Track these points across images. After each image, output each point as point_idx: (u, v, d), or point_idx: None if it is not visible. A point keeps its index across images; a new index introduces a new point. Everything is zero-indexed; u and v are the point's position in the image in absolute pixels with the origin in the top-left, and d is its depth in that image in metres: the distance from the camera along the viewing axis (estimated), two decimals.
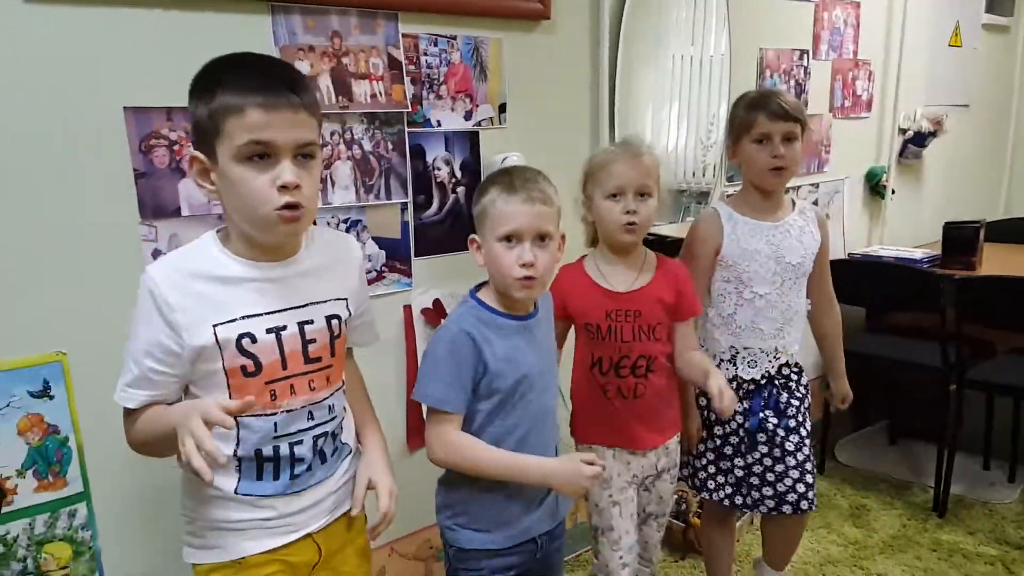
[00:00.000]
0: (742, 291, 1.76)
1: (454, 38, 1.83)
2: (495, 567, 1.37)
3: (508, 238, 1.28)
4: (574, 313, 1.60)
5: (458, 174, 1.89)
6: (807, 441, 1.85)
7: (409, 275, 1.85)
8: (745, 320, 1.77)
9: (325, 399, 1.16)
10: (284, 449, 1.12)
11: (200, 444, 0.91)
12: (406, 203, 1.81)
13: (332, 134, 1.67)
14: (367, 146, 1.73)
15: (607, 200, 1.57)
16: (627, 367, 1.62)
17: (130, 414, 1.09)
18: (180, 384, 1.09)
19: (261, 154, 1.00)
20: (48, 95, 1.32)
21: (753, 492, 1.81)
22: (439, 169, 1.86)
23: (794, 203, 1.85)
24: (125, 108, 1.41)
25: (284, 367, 1.10)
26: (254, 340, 1.07)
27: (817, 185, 2.95)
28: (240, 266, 1.07)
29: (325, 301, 1.15)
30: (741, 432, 1.80)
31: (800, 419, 1.84)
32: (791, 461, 1.81)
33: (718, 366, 1.75)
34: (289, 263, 1.11)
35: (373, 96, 1.71)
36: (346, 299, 1.18)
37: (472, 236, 1.36)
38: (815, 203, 2.94)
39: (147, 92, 1.43)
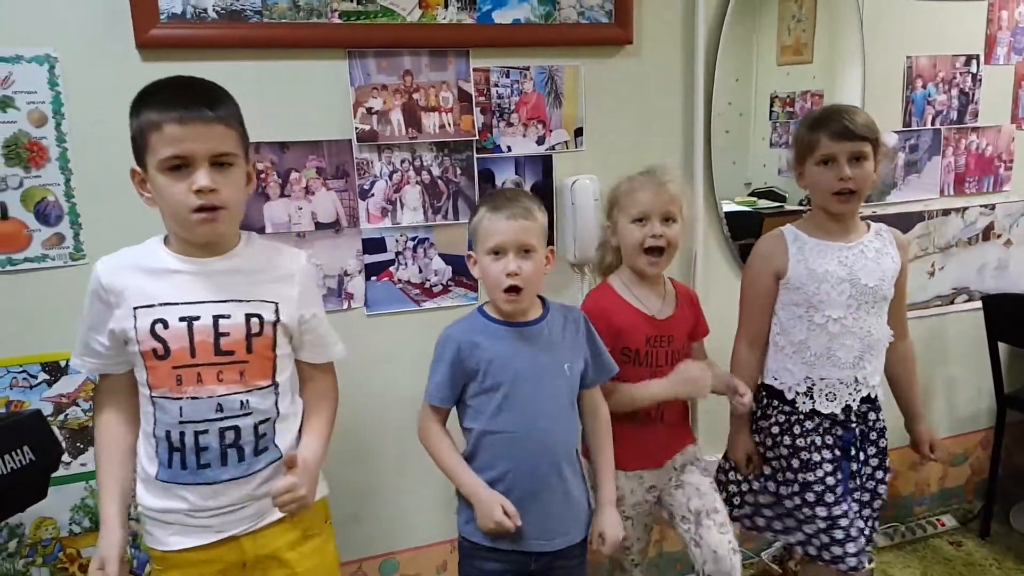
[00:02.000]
0: (813, 316, 1.66)
1: (527, 68, 1.93)
2: (487, 562, 1.49)
3: (495, 251, 1.41)
4: (616, 332, 1.63)
5: None
6: (881, 491, 1.70)
7: (475, 290, 1.99)
8: (819, 347, 1.67)
9: (236, 394, 1.23)
10: (189, 437, 1.22)
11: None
12: None
13: (402, 161, 1.87)
14: (436, 171, 1.90)
15: (632, 223, 1.60)
16: None
17: (98, 401, 1.32)
18: (122, 360, 1.26)
19: (179, 165, 1.15)
20: None
21: (812, 540, 1.69)
22: None
23: (869, 225, 1.72)
24: None
25: (192, 355, 1.20)
26: (166, 326, 1.20)
27: (992, 207, 2.57)
28: (172, 259, 1.23)
29: (248, 300, 1.25)
30: (827, 480, 1.67)
31: (877, 463, 1.72)
32: (865, 512, 1.68)
33: (792, 400, 1.70)
34: (217, 260, 1.24)
35: (442, 127, 1.88)
36: (275, 304, 1.27)
37: (469, 252, 1.51)
38: (990, 227, 2.57)
39: None
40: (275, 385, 1.30)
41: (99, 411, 1.33)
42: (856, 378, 1.66)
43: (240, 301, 1.25)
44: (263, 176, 1.76)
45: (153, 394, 1.24)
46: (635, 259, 1.63)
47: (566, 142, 2.01)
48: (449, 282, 1.96)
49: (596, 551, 1.53)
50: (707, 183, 2.17)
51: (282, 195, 1.78)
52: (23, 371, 1.66)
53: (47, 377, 1.67)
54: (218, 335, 1.23)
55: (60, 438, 1.62)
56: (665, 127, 2.11)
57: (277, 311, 1.29)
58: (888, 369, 1.78)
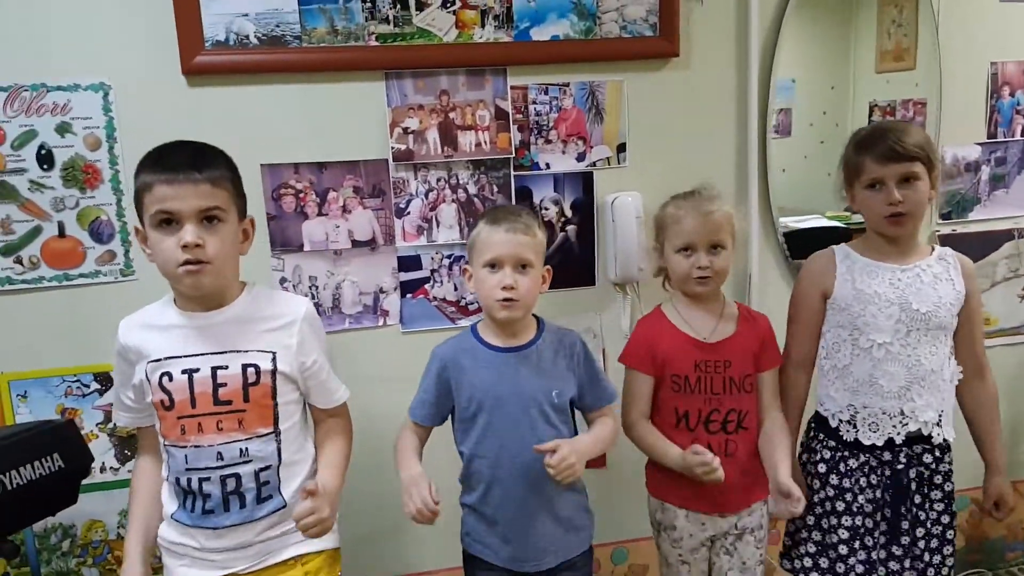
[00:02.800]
0: (857, 339, 1.55)
1: (567, 85, 1.90)
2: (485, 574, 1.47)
3: (492, 264, 1.40)
4: (662, 361, 1.57)
5: (568, 213, 1.95)
6: (950, 536, 1.56)
7: None
8: (862, 373, 1.55)
9: (236, 442, 1.28)
10: (195, 483, 1.28)
11: None
12: None
13: (438, 180, 1.87)
14: (472, 189, 1.89)
15: (677, 254, 1.55)
16: (717, 422, 1.56)
17: (138, 452, 1.41)
18: (149, 410, 1.33)
19: (167, 220, 1.22)
20: None
21: None
22: (547, 209, 1.94)
23: (934, 248, 1.59)
24: (261, 164, 1.78)
25: (193, 405, 1.26)
26: (171, 379, 1.26)
27: None
28: (175, 315, 1.31)
29: (246, 351, 1.29)
30: (857, 524, 1.56)
31: (942, 508, 1.57)
32: (935, 559, 1.55)
33: (836, 428, 1.59)
34: (215, 314, 1.30)
35: (478, 145, 1.87)
36: (273, 353, 1.30)
37: (464, 265, 1.49)
38: None
39: (279, 151, 1.78)
40: (276, 432, 1.33)
41: (137, 457, 1.44)
42: (902, 410, 1.53)
43: (237, 352, 1.30)
44: (302, 196, 1.81)
45: (165, 442, 1.31)
46: (684, 285, 1.58)
47: (608, 158, 1.96)
48: None
49: None
50: (763, 200, 2.06)
51: (320, 214, 1.82)
52: (76, 380, 1.76)
53: (98, 386, 1.76)
54: (216, 386, 1.28)
55: (100, 446, 1.74)
56: (716, 142, 2.03)
57: (274, 360, 1.31)
58: (965, 412, 1.64)
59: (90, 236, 1.72)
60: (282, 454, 1.34)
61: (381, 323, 1.90)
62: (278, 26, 1.72)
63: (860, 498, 1.56)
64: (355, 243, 1.85)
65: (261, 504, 1.32)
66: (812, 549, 1.63)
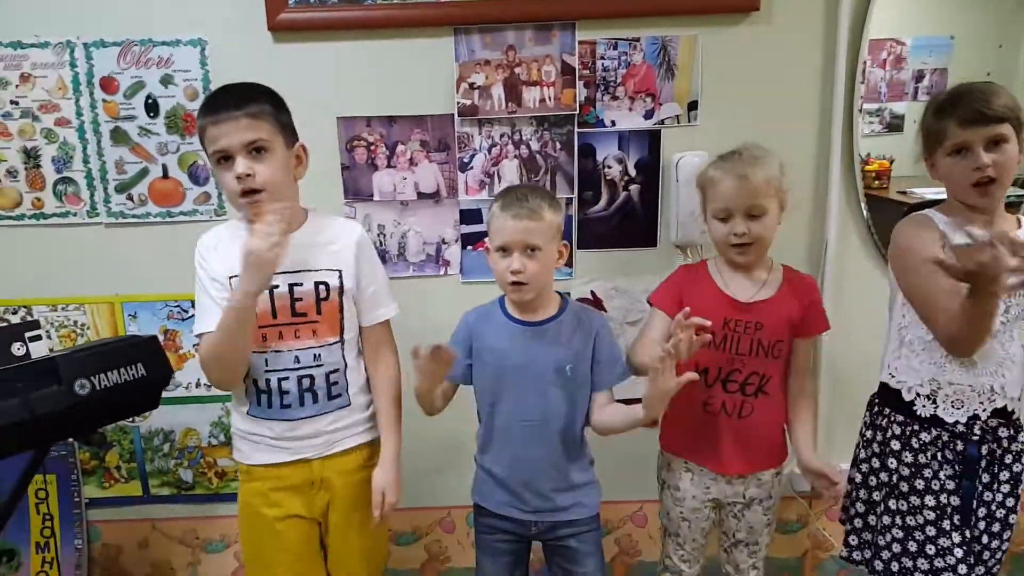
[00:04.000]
0: None
1: (637, 40, 1.87)
2: (493, 520, 1.57)
3: (502, 249, 1.45)
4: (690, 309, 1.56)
5: (632, 172, 1.94)
6: (1012, 521, 1.47)
7: (570, 265, 1.99)
8: None
9: (310, 348, 1.45)
10: (274, 382, 1.45)
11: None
12: (571, 198, 1.95)
13: (501, 135, 1.91)
14: (535, 146, 1.92)
15: (715, 220, 1.52)
16: (737, 382, 1.56)
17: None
18: None
19: (223, 157, 1.36)
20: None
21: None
22: (610, 167, 1.94)
23: (1020, 220, 1.47)
24: (337, 117, 1.90)
25: (274, 316, 1.43)
26: None
27: None
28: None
29: (316, 270, 1.45)
30: (942, 502, 1.47)
31: (1009, 489, 1.48)
32: (994, 543, 1.47)
33: (911, 403, 1.50)
34: (290, 237, 1.39)
35: (542, 101, 1.89)
36: (339, 271, 1.47)
37: (484, 240, 1.55)
38: None
39: (353, 104, 1.90)
40: (342, 341, 1.50)
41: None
42: (992, 387, 1.43)
43: (310, 271, 1.46)
44: (373, 148, 1.91)
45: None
46: (724, 252, 1.56)
47: (677, 116, 1.91)
48: None
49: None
50: (847, 167, 1.94)
51: (388, 166, 1.92)
52: (177, 305, 2.00)
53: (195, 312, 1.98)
54: (293, 300, 1.44)
55: (194, 364, 1.99)
56: (798, 104, 1.92)
57: (341, 277, 1.48)
58: None
59: (188, 178, 1.92)
60: (347, 359, 1.51)
61: (443, 272, 1.99)
62: None
63: (941, 474, 1.47)
64: (420, 195, 1.94)
65: (331, 400, 1.50)
66: (898, 534, 1.53)
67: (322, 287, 1.47)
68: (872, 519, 1.57)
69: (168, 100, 1.88)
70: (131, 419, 2.04)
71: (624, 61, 1.88)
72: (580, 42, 1.86)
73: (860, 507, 1.60)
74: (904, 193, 1.98)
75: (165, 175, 1.92)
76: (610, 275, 2.00)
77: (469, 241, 1.96)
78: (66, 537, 2.09)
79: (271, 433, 1.49)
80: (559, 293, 1.57)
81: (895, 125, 1.97)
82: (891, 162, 2.00)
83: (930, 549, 1.48)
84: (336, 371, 1.50)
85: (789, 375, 1.58)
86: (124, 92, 1.87)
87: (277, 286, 1.43)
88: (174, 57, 1.85)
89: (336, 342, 1.49)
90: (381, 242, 1.97)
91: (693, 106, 1.91)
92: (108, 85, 1.87)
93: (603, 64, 1.88)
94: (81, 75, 1.86)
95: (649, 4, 1.83)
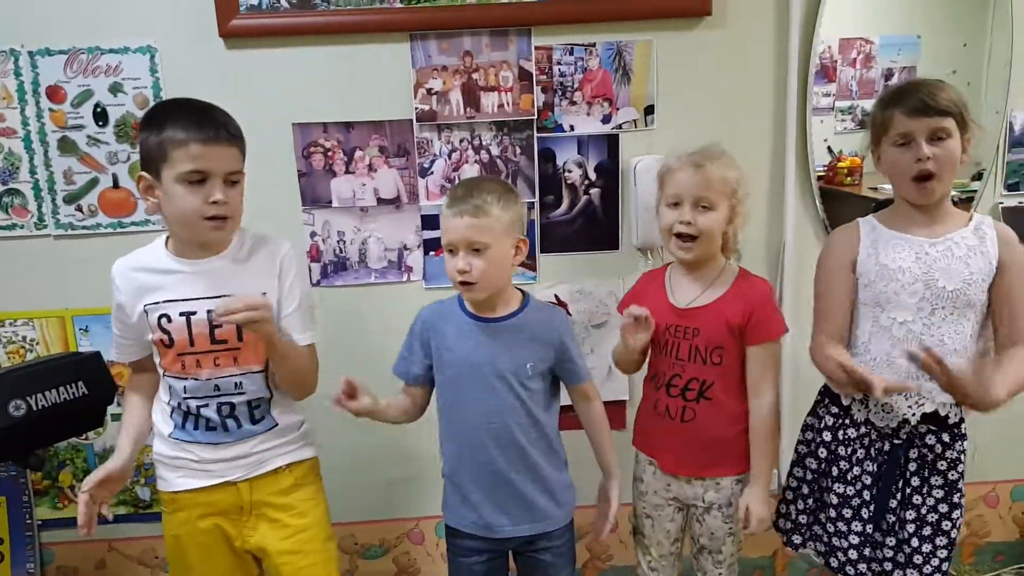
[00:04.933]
0: (878, 316, 1.49)
1: (593, 45, 1.88)
2: (465, 541, 1.53)
3: (449, 248, 1.43)
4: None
5: (592, 176, 1.95)
6: (947, 528, 1.49)
7: (534, 269, 1.99)
8: (880, 352, 1.49)
9: (231, 376, 1.40)
10: (194, 408, 1.41)
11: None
12: (533, 202, 1.95)
13: (461, 140, 1.91)
14: (495, 151, 1.92)
15: (666, 207, 1.52)
16: (678, 387, 1.56)
17: (128, 381, 1.52)
18: (141, 347, 1.45)
19: (198, 179, 1.32)
20: (240, 114, 1.81)
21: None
22: (570, 171, 1.95)
23: (972, 216, 1.49)
24: (293, 124, 1.87)
25: (191, 344, 1.38)
26: (169, 320, 1.37)
27: None
28: (172, 261, 1.40)
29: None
30: (865, 495, 1.53)
31: (942, 494, 1.50)
32: (925, 547, 1.49)
33: (848, 407, 1.55)
34: (210, 260, 1.40)
35: (500, 106, 1.89)
36: (264, 293, 1.38)
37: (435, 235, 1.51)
38: None
39: (309, 111, 1.87)
40: (266, 369, 1.45)
41: (129, 383, 1.54)
42: (919, 391, 1.46)
43: (230, 296, 1.35)
44: (330, 154, 1.89)
45: (165, 374, 1.44)
46: (667, 243, 1.55)
47: (635, 121, 1.93)
48: None
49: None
50: (801, 168, 1.97)
51: (347, 172, 1.90)
52: None
53: None
54: (212, 327, 1.39)
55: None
56: (752, 104, 1.95)
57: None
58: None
59: (143, 191, 1.87)
60: (271, 388, 1.46)
61: (405, 278, 1.98)
62: None
63: (856, 469, 1.51)
64: (380, 201, 1.93)
65: (255, 424, 1.45)
66: (804, 519, 1.61)
67: None
68: (800, 502, 1.62)
69: (117, 109, 1.83)
70: (84, 437, 1.98)
71: (580, 66, 1.89)
72: (536, 48, 1.87)
73: (793, 483, 1.65)
74: (875, 189, 2.01)
75: (115, 185, 1.87)
76: (574, 278, 2.00)
77: (432, 247, 1.95)
78: (17, 560, 2.02)
79: (194, 457, 1.44)
80: (520, 290, 1.54)
81: (866, 122, 2.00)
82: (862, 159, 2.03)
83: (832, 528, 1.55)
84: (259, 398, 1.45)
85: (747, 385, 1.55)
86: (72, 101, 1.82)
87: (195, 312, 1.38)
88: (123, 65, 1.81)
89: (260, 371, 1.44)
90: (341, 249, 1.95)
91: (650, 110, 1.92)
92: (55, 94, 1.82)
93: (560, 69, 1.89)
94: (26, 84, 1.81)
95: (603, 10, 1.85)
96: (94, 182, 1.87)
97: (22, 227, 1.88)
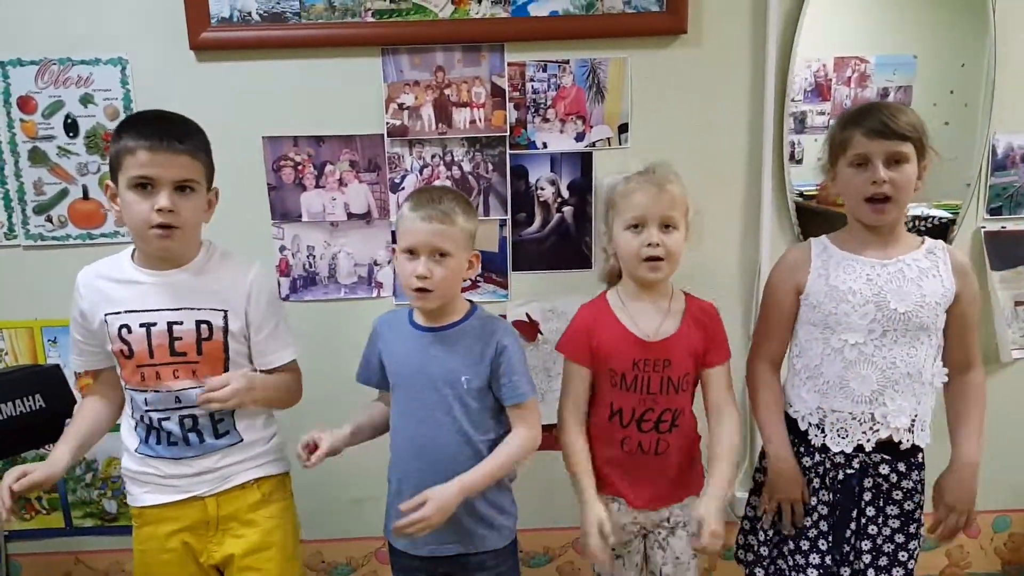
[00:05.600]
0: (829, 338, 1.46)
1: (566, 62, 1.86)
2: (397, 566, 1.52)
3: (409, 251, 1.39)
4: (599, 355, 1.51)
5: (564, 194, 1.93)
6: (903, 558, 1.45)
7: (505, 287, 1.96)
8: (832, 375, 1.46)
9: (191, 388, 1.38)
10: (155, 421, 1.39)
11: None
12: (505, 220, 1.93)
13: (433, 156, 1.90)
14: (466, 167, 1.90)
15: (627, 231, 1.48)
16: (651, 421, 1.51)
17: (87, 392, 1.50)
18: (104, 355, 1.43)
19: (145, 184, 1.31)
20: (209, 127, 1.80)
21: None
22: (543, 189, 1.93)
23: (924, 240, 1.47)
24: (263, 137, 1.86)
25: (151, 356, 1.36)
26: (129, 331, 1.36)
27: None
28: (135, 271, 1.39)
29: (200, 308, 1.38)
30: (822, 525, 1.50)
31: (898, 525, 1.46)
32: None
33: (804, 432, 1.51)
34: (175, 272, 1.38)
35: (472, 122, 1.87)
36: (224, 312, 1.39)
37: (393, 245, 1.48)
38: None
39: (279, 124, 1.87)
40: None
41: (87, 393, 1.53)
42: (873, 415, 1.43)
43: (192, 309, 1.38)
44: (300, 168, 1.88)
45: (126, 386, 1.42)
46: (634, 268, 1.49)
47: (608, 139, 1.91)
48: (478, 278, 1.96)
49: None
50: (778, 188, 1.95)
51: (317, 186, 1.89)
52: None
53: None
54: (172, 339, 1.37)
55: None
56: (728, 124, 1.93)
57: (226, 318, 1.40)
58: (950, 411, 1.51)
59: (109, 200, 1.86)
60: None
61: (375, 294, 1.96)
62: (278, 3, 1.79)
63: (812, 499, 1.48)
64: (351, 215, 1.91)
65: (219, 439, 1.43)
66: (766, 551, 1.57)
67: (204, 327, 1.39)
68: (761, 533, 1.58)
69: (88, 120, 1.83)
70: (49, 448, 1.97)
71: (554, 83, 1.87)
72: (509, 64, 1.86)
73: (750, 511, 1.62)
74: None
75: (85, 196, 1.87)
76: (545, 297, 1.98)
77: (392, 250, 1.93)
78: None
79: (159, 473, 1.42)
80: (469, 301, 1.51)
81: None
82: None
83: (791, 561, 1.51)
84: (222, 412, 1.42)
85: (707, 407, 1.52)
86: (42, 112, 1.82)
87: (155, 324, 1.37)
88: (94, 76, 1.81)
89: None
90: (311, 263, 1.93)
91: (624, 128, 1.90)
92: (25, 104, 1.82)
93: (533, 86, 1.87)
94: None
95: (576, 27, 1.83)
96: (64, 193, 1.87)
97: None
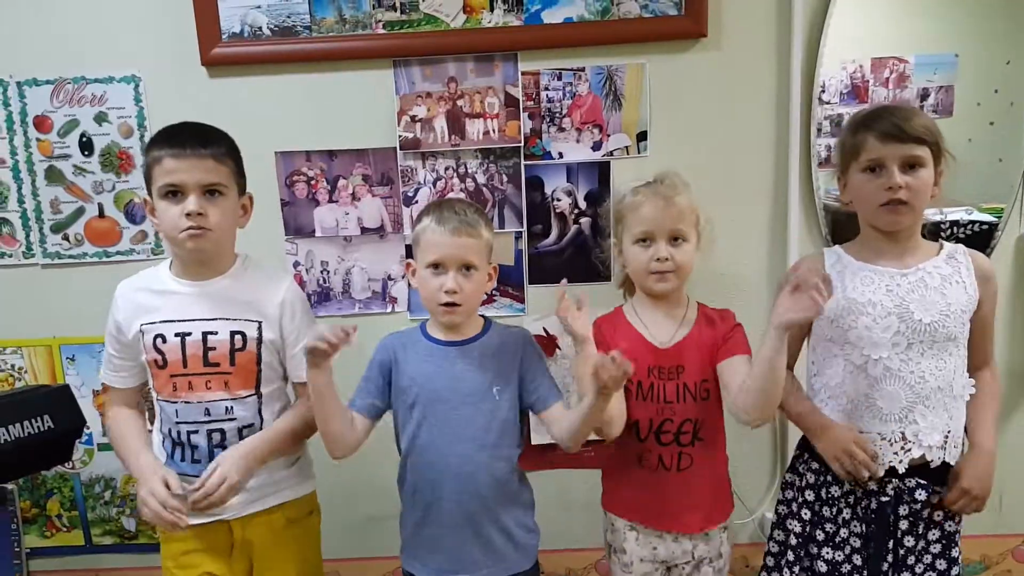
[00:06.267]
0: (850, 354, 1.38)
1: (582, 70, 1.81)
2: None
3: (435, 265, 1.35)
4: None
5: (581, 205, 1.87)
6: None
7: (522, 301, 1.91)
8: (857, 393, 1.38)
9: (222, 400, 1.38)
10: (183, 435, 1.39)
11: (165, 504, 1.28)
12: (520, 232, 1.88)
13: (446, 169, 1.86)
14: (480, 179, 1.86)
15: (635, 245, 1.44)
16: (670, 432, 1.46)
17: (109, 403, 1.47)
18: (136, 371, 1.44)
19: (174, 192, 1.32)
20: None
21: None
22: (559, 200, 1.87)
23: (943, 246, 1.39)
24: (276, 152, 1.85)
25: (184, 365, 1.37)
26: (164, 340, 1.37)
27: None
28: (172, 281, 1.40)
29: (235, 319, 1.38)
30: (856, 559, 1.41)
31: (940, 549, 1.38)
32: None
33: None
34: (209, 283, 1.38)
35: (486, 133, 1.83)
36: (259, 322, 1.39)
37: (408, 260, 1.44)
38: None
39: (292, 139, 1.85)
40: (258, 395, 1.42)
41: (109, 408, 1.51)
42: (904, 434, 1.34)
43: (227, 319, 1.39)
44: (313, 183, 1.86)
45: (158, 397, 1.42)
46: (643, 280, 1.47)
47: (627, 147, 1.85)
48: (494, 292, 1.91)
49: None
50: (806, 194, 1.87)
51: (330, 201, 1.87)
52: None
53: None
54: (206, 349, 1.38)
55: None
56: (752, 131, 1.86)
57: (260, 329, 1.40)
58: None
59: (125, 217, 1.87)
60: (263, 415, 1.43)
61: (389, 309, 1.93)
62: (289, 17, 1.77)
63: (843, 531, 1.40)
64: (364, 230, 1.88)
65: None
66: None
67: (238, 337, 1.39)
68: (787, 570, 1.48)
69: (103, 138, 1.83)
70: (71, 466, 1.98)
71: (569, 92, 1.82)
72: (523, 73, 1.81)
73: (774, 547, 1.52)
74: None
75: (101, 214, 1.87)
76: None
77: (406, 265, 1.89)
78: None
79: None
80: (483, 316, 1.47)
81: None
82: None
83: None
84: (250, 427, 1.41)
85: (733, 397, 1.42)
86: (58, 131, 1.83)
87: (189, 333, 1.37)
88: (108, 94, 1.82)
89: (251, 395, 1.41)
90: (325, 279, 1.91)
91: (643, 136, 1.84)
92: (42, 124, 1.83)
93: (548, 95, 1.82)
94: (15, 114, 1.83)
95: (591, 33, 1.78)
96: (80, 211, 1.87)
97: (11, 255, 1.90)
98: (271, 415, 1.44)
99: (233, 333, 1.39)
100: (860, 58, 1.86)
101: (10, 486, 1.53)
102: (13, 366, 1.95)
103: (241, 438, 1.40)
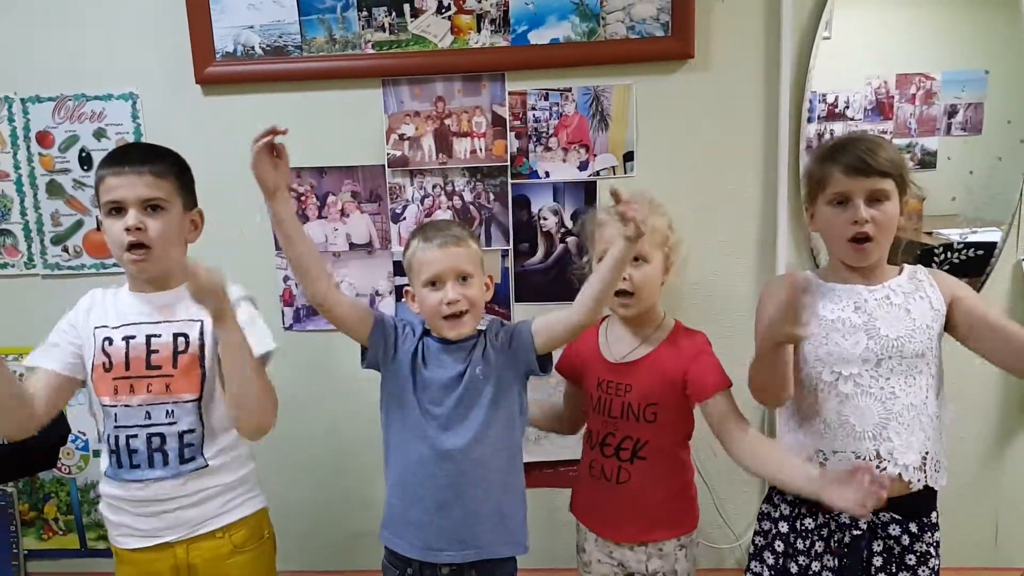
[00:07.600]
0: (821, 372, 1.37)
1: (568, 90, 1.82)
2: (401, 566, 1.42)
3: (432, 282, 1.35)
4: (580, 371, 1.53)
5: (568, 224, 1.88)
6: None
7: (509, 319, 1.92)
8: (830, 412, 1.36)
9: (163, 403, 1.37)
10: (123, 439, 1.37)
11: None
12: (507, 250, 1.89)
13: (434, 186, 1.88)
14: (468, 197, 1.88)
15: (598, 263, 1.43)
16: (612, 446, 1.49)
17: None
18: (67, 359, 1.41)
19: (117, 208, 1.34)
20: (215, 159, 1.80)
21: None
22: (545, 219, 1.88)
23: (903, 267, 1.39)
24: None
25: (127, 368, 1.37)
26: (111, 343, 1.38)
27: None
28: (127, 295, 1.42)
29: (177, 321, 1.39)
30: None
31: None
32: None
33: None
34: (161, 294, 1.40)
35: (473, 152, 1.85)
36: (201, 321, 1.38)
37: (406, 287, 1.43)
38: None
39: None
40: (200, 399, 1.40)
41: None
42: (878, 452, 1.31)
43: (171, 322, 1.40)
44: (303, 199, 1.89)
45: (101, 404, 1.41)
46: (609, 303, 1.45)
47: (613, 168, 1.85)
48: None
49: None
50: (795, 216, 1.85)
51: (319, 217, 1.90)
52: None
53: None
54: (150, 352, 1.38)
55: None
56: (740, 150, 1.85)
57: (202, 328, 1.39)
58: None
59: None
60: (204, 421, 1.40)
61: None
62: (280, 37, 1.81)
63: (815, 564, 1.37)
64: (352, 246, 1.91)
65: (184, 464, 1.39)
66: None
67: (180, 339, 1.39)
68: None
69: (101, 153, 1.87)
70: (67, 471, 2.02)
71: (556, 112, 1.83)
72: (510, 93, 1.83)
73: None
74: (930, 234, 1.88)
75: (99, 227, 1.92)
76: None
77: (403, 294, 1.91)
78: None
79: (127, 495, 1.39)
80: None
81: (927, 161, 1.86)
82: (922, 200, 1.83)
83: None
84: (191, 432, 1.39)
85: (721, 440, 1.42)
86: (59, 146, 1.89)
87: (134, 336, 1.39)
88: (107, 111, 1.87)
89: (193, 400, 1.39)
90: None
91: (629, 156, 1.85)
92: (44, 139, 1.89)
93: (534, 115, 1.83)
94: (18, 129, 1.89)
95: (579, 54, 1.79)
96: (79, 224, 1.93)
97: (13, 266, 1.96)
98: (214, 422, 1.42)
99: (176, 335, 1.39)
100: (884, 74, 1.83)
101: (9, 488, 1.57)
102: (14, 372, 2.00)
103: (182, 444, 1.39)
